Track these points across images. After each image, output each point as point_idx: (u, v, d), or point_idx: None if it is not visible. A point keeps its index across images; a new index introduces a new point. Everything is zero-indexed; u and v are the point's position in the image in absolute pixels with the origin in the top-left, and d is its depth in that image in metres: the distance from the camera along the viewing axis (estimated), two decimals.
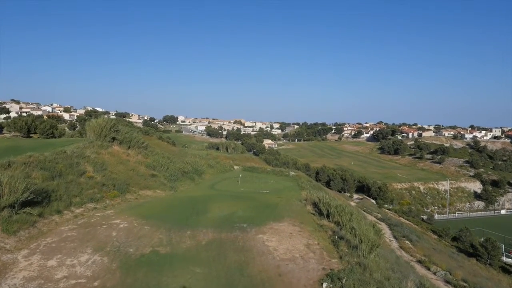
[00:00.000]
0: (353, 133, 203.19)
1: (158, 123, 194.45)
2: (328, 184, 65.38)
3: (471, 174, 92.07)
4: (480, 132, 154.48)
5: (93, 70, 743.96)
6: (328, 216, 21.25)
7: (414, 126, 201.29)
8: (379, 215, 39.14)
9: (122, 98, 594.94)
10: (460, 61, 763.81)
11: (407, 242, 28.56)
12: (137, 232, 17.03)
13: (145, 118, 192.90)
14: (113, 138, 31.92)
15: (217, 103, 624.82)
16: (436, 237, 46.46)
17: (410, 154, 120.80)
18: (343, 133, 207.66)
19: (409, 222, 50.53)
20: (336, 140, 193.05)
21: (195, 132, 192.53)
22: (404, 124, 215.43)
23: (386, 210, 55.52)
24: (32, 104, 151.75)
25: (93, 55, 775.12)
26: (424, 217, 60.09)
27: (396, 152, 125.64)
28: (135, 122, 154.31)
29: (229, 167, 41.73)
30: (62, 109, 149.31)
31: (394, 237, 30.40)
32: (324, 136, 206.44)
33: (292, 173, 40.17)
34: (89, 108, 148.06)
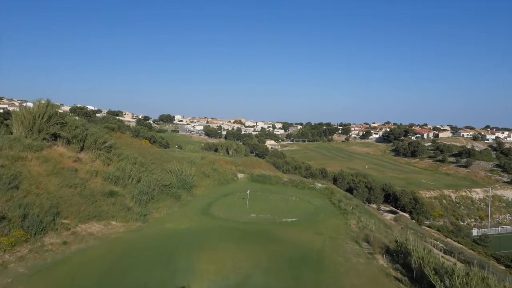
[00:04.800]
0: (360, 133, 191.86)
1: (153, 122, 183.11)
2: (349, 193, 54.12)
3: (505, 180, 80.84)
4: (503, 133, 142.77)
5: (89, 69, 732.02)
6: None
7: (425, 127, 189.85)
8: (442, 246, 27.92)
9: (117, 97, 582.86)
10: (469, 60, 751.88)
11: None
12: None
13: (140, 117, 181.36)
14: (55, 135, 20.76)
15: (216, 103, 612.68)
16: (503, 267, 35.26)
17: (430, 157, 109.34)
18: (350, 134, 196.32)
19: (460, 245, 39.37)
20: (343, 141, 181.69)
21: (192, 132, 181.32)
22: (413, 125, 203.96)
23: (427, 228, 44.35)
24: (17, 100, 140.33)
25: (90, 54, 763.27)
26: (475, 235, 48.74)
27: (413, 154, 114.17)
28: (128, 120, 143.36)
29: (231, 176, 30.54)
30: None
31: None
32: (330, 137, 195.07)
33: (319, 185, 29.02)
34: (78, 105, 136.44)
